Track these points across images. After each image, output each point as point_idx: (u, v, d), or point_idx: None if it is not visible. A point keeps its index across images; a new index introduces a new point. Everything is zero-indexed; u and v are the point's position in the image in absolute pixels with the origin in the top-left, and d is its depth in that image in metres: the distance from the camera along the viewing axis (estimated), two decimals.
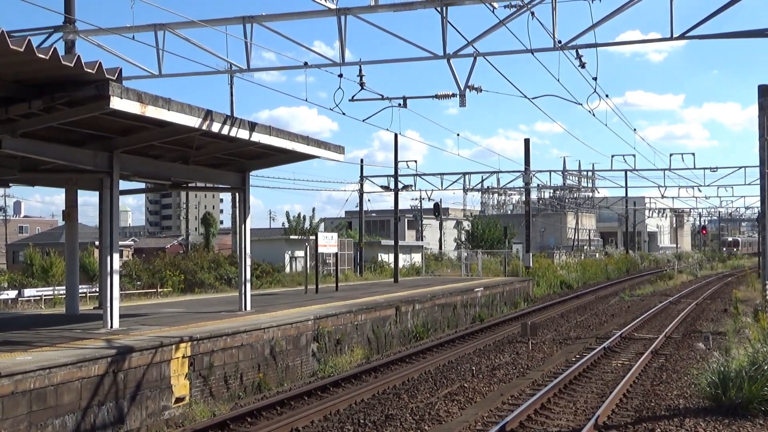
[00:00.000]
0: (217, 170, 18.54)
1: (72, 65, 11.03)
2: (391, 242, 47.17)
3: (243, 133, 15.32)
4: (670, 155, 43.72)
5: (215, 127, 14.39)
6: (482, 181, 51.23)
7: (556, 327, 25.69)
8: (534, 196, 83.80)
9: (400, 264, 43.27)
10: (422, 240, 73.38)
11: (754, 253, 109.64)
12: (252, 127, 15.61)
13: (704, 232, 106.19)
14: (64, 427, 10.59)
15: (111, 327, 14.65)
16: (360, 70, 17.78)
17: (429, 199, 56.88)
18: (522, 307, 35.19)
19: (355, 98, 18.91)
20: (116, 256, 14.92)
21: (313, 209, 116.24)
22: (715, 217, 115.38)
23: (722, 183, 50.00)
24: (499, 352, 19.66)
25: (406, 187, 46.50)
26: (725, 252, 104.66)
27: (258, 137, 15.83)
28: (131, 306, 21.37)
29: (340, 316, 18.78)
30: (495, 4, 15.01)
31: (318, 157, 18.80)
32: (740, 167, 45.89)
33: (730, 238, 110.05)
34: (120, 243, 16.86)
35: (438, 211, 55.01)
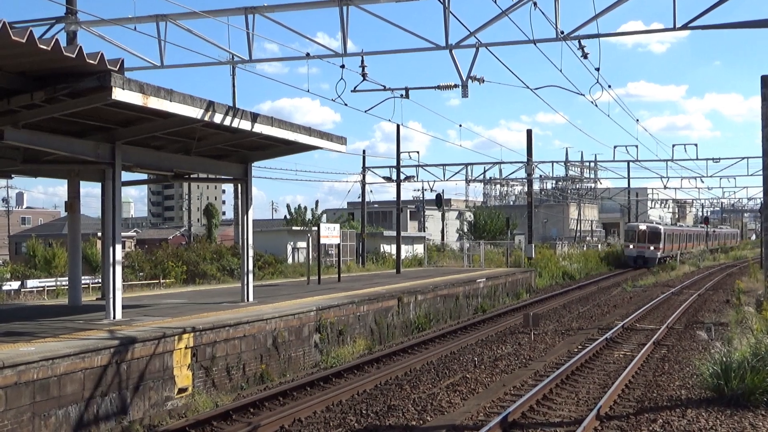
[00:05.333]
0: (220, 161, 18.53)
1: (74, 56, 11.01)
2: (393, 233, 47.19)
3: (245, 124, 15.31)
4: (673, 146, 43.58)
5: (217, 118, 14.37)
6: (484, 171, 51.26)
7: (559, 318, 25.71)
8: (536, 186, 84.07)
9: (403, 255, 43.28)
10: (424, 231, 73.40)
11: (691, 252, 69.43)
12: (254, 118, 15.59)
13: (706, 223, 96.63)
14: (67, 417, 10.63)
15: (113, 318, 14.67)
16: (362, 61, 17.74)
17: (431, 190, 56.90)
18: (524, 297, 35.21)
19: (357, 89, 18.89)
20: (119, 247, 14.93)
21: (317, 201, 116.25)
22: (718, 208, 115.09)
23: (725, 174, 49.88)
24: (502, 343, 19.68)
25: (408, 178, 46.49)
26: (630, 251, 60.88)
27: (260, 128, 15.81)
28: (134, 297, 21.41)
29: (343, 307, 18.79)
30: None
31: (320, 148, 18.77)
32: (743, 158, 45.76)
33: (642, 226, 60.87)
34: (122, 234, 16.88)
35: (440, 202, 54.93)
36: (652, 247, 59.27)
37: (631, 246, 60.79)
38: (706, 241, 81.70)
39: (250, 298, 18.72)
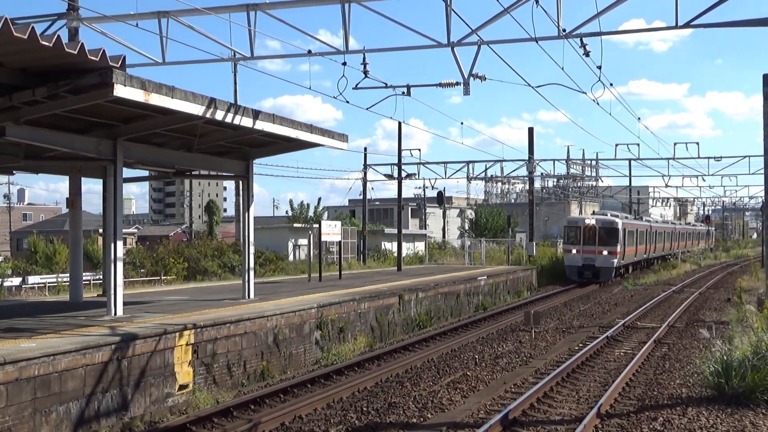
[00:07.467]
0: (221, 158, 18.53)
1: (76, 53, 11.02)
2: (395, 231, 47.17)
3: (246, 121, 15.31)
4: (675, 144, 43.50)
5: (219, 115, 14.37)
6: (486, 169, 51.13)
7: (559, 316, 25.71)
8: (538, 184, 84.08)
9: (404, 252, 43.27)
10: (425, 228, 73.33)
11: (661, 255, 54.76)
12: (255, 115, 15.59)
13: (707, 221, 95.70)
14: (68, 413, 10.64)
15: (115, 314, 14.68)
16: (364, 59, 17.74)
17: (432, 187, 56.86)
18: (525, 295, 35.21)
19: (358, 86, 18.90)
20: (120, 243, 14.93)
21: (319, 198, 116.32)
22: (719, 207, 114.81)
23: (726, 172, 49.75)
24: (502, 341, 19.68)
25: (409, 176, 46.43)
26: (572, 258, 41.60)
27: (261, 125, 15.82)
28: (135, 293, 21.43)
29: (344, 305, 18.80)
30: None
31: (322, 145, 18.77)
32: (744, 156, 45.64)
33: (590, 221, 41.62)
34: (123, 231, 16.88)
35: (441, 199, 54.97)
36: (605, 252, 40.69)
37: (574, 251, 41.41)
38: (679, 241, 65.30)
39: (251, 295, 18.72)
